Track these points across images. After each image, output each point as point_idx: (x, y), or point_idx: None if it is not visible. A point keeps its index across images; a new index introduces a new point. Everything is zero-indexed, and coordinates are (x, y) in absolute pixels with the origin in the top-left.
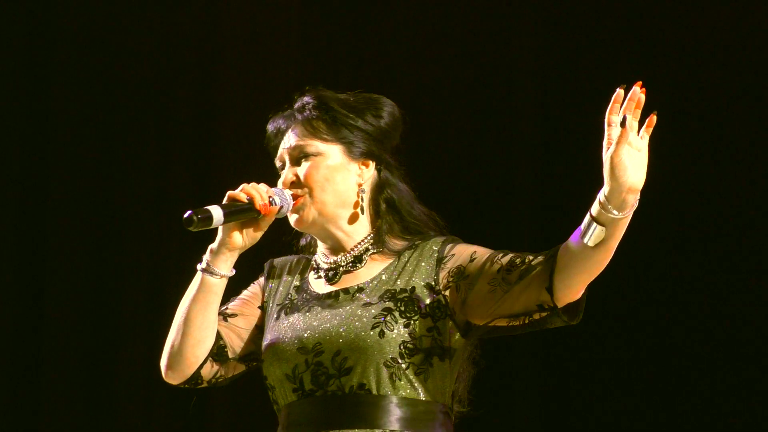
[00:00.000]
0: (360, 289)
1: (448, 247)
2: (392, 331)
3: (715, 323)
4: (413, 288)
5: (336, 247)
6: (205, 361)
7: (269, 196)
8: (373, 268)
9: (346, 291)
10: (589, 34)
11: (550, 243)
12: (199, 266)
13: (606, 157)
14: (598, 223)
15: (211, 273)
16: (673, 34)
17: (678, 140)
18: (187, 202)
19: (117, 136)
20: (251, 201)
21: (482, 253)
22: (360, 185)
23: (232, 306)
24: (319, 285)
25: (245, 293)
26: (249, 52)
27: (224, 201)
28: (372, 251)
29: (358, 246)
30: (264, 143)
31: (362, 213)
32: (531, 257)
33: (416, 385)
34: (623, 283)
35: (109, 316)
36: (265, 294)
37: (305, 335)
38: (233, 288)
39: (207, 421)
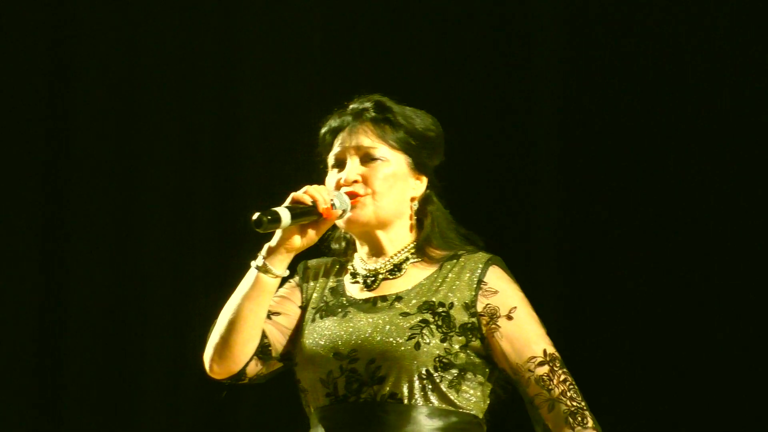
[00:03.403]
0: (398, 298)
1: (490, 271)
2: (428, 344)
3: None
4: (452, 304)
5: (377, 253)
6: (251, 359)
7: (331, 199)
8: (413, 277)
9: (384, 298)
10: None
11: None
12: (253, 264)
13: None
14: None
15: (267, 272)
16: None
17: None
18: (208, 202)
19: (139, 135)
20: (314, 203)
21: (522, 319)
22: (413, 198)
23: (274, 304)
24: (355, 290)
25: (283, 292)
26: (270, 55)
27: (287, 203)
28: (412, 260)
29: (399, 254)
30: (320, 138)
31: (409, 224)
32: (557, 400)
33: (449, 397)
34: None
35: (131, 314)
36: (303, 295)
37: (341, 341)
38: None
39: (231, 418)
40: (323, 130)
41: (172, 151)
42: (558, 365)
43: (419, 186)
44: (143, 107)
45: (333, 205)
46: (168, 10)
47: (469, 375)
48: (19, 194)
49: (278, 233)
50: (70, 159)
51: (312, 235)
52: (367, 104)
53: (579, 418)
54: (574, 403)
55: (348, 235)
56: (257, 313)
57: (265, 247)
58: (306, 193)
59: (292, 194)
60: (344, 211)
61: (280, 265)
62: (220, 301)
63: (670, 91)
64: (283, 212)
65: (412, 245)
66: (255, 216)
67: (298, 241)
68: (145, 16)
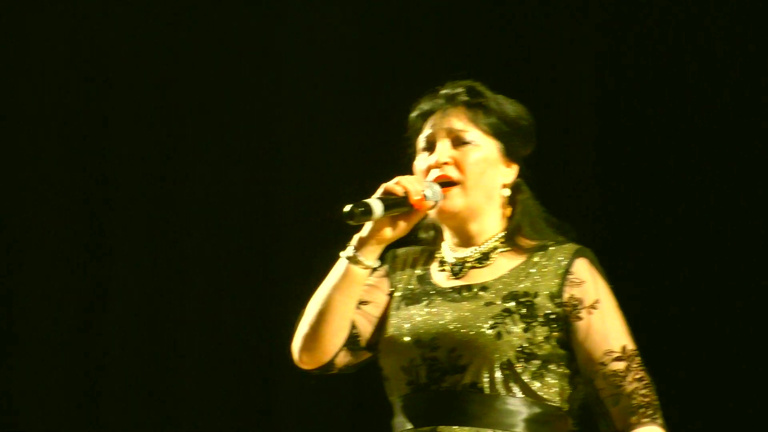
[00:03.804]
0: (484, 288)
1: (578, 262)
2: (510, 333)
3: None
4: (536, 294)
5: (466, 242)
6: (340, 350)
7: (422, 190)
8: (501, 267)
9: (469, 288)
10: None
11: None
12: (343, 255)
13: None
14: None
15: (357, 263)
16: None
17: None
18: (248, 202)
19: (178, 136)
20: (406, 195)
21: (604, 313)
22: (504, 185)
23: (363, 294)
24: (442, 278)
25: (372, 281)
26: (308, 56)
27: (378, 193)
28: (501, 249)
29: (488, 242)
30: (410, 121)
31: (500, 212)
32: (630, 394)
33: (532, 388)
34: None
35: (171, 316)
36: (391, 284)
37: (423, 329)
38: None
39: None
40: (414, 114)
41: (212, 153)
42: (636, 363)
43: (510, 173)
44: (182, 107)
45: (425, 196)
46: (207, 12)
47: (553, 366)
48: (62, 197)
49: (369, 224)
50: (110, 160)
51: (403, 226)
52: (460, 89)
53: (650, 412)
54: (646, 399)
55: (437, 224)
56: (347, 305)
57: (355, 237)
58: (398, 184)
59: (384, 185)
60: (436, 202)
61: (370, 256)
62: (259, 302)
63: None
64: (375, 204)
65: (501, 234)
66: (347, 208)
67: (389, 233)
68: (181, 19)
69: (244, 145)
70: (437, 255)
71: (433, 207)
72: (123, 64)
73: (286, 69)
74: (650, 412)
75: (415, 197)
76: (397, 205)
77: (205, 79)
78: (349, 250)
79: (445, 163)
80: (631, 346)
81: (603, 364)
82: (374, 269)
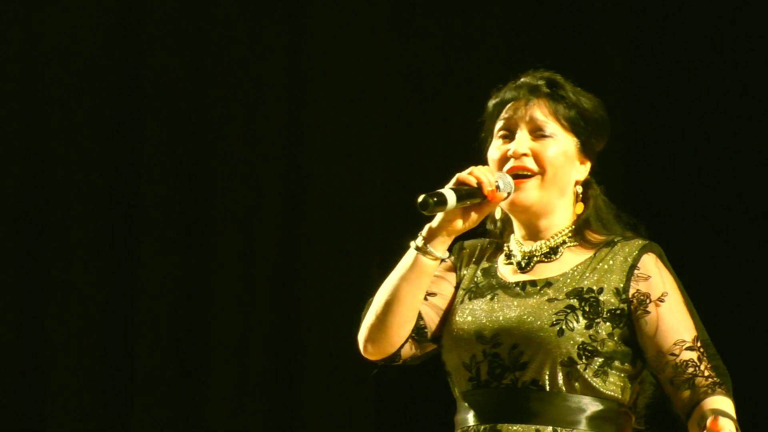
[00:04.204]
0: (548, 284)
1: (645, 257)
2: (572, 330)
3: None
4: (601, 289)
5: (534, 235)
6: (406, 341)
7: (496, 181)
8: (567, 262)
9: (533, 283)
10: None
11: None
12: (413, 245)
13: None
14: None
15: (427, 254)
16: None
17: None
18: (276, 201)
19: (206, 137)
20: (479, 185)
21: (672, 306)
22: (578, 182)
23: (431, 285)
24: (508, 272)
25: (439, 272)
26: (338, 54)
27: (452, 184)
28: (569, 244)
29: (556, 236)
30: (488, 108)
31: (571, 208)
32: (704, 377)
33: (594, 386)
34: None
35: (199, 317)
36: (458, 276)
37: (485, 325)
38: None
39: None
40: (494, 101)
41: (240, 154)
42: (710, 353)
43: (583, 170)
44: (211, 107)
45: (497, 187)
46: (236, 11)
47: (617, 363)
48: (90, 196)
49: (440, 215)
50: (137, 162)
51: (474, 218)
52: (541, 81)
53: (720, 389)
54: (717, 379)
55: (505, 216)
56: (415, 295)
57: (426, 228)
58: (471, 174)
59: (458, 175)
60: (508, 194)
61: (440, 247)
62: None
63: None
64: (449, 194)
65: (570, 228)
66: (420, 198)
67: (460, 224)
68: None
69: (274, 141)
70: (505, 248)
71: (505, 198)
72: (152, 59)
73: (315, 64)
74: (721, 389)
75: (488, 188)
76: (469, 195)
77: (233, 75)
78: (419, 240)
79: (524, 154)
80: (703, 335)
81: (674, 354)
82: (442, 260)
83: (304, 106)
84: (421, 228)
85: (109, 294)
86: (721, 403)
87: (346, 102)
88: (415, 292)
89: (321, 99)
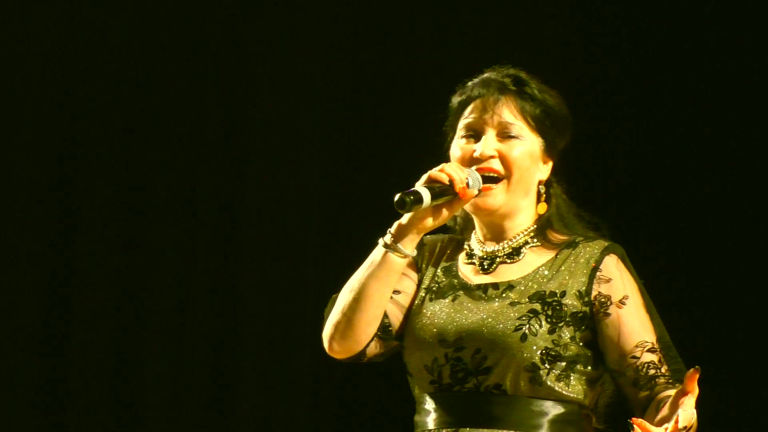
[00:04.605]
0: (510, 287)
1: (607, 259)
2: (535, 335)
3: None
4: (564, 293)
5: (497, 236)
6: (372, 339)
7: (466, 178)
8: (530, 263)
9: (495, 286)
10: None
11: None
12: (381, 242)
13: None
14: None
15: (396, 251)
16: None
17: None
18: (212, 201)
19: (143, 138)
20: (451, 183)
21: (633, 308)
22: (541, 181)
23: None
24: (469, 272)
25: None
26: (276, 58)
27: (424, 181)
28: (531, 244)
29: (518, 237)
30: (454, 105)
31: (533, 208)
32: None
33: (557, 390)
34: None
35: (135, 321)
36: (419, 273)
37: (448, 328)
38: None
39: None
40: (459, 99)
41: (177, 154)
42: (671, 355)
43: (546, 170)
44: (147, 107)
45: (467, 184)
46: (176, 14)
47: (579, 367)
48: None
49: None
50: (75, 162)
51: (445, 215)
52: (507, 79)
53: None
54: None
55: (465, 213)
56: (383, 293)
57: (395, 225)
58: (442, 171)
59: (429, 172)
60: (479, 191)
61: (410, 244)
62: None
63: None
64: (424, 192)
65: (532, 228)
66: (397, 197)
67: (430, 221)
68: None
69: (210, 144)
70: (465, 246)
71: (476, 196)
72: (90, 63)
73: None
74: (679, 385)
75: (459, 185)
76: (442, 193)
77: (169, 72)
78: (388, 238)
79: (491, 156)
80: (665, 337)
81: (635, 356)
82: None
83: (240, 109)
84: (379, 226)
85: (45, 296)
86: None
87: (283, 98)
88: (383, 290)
89: (257, 99)
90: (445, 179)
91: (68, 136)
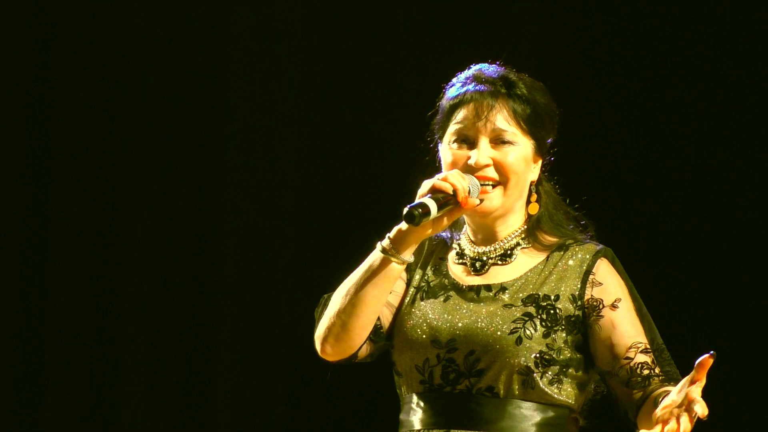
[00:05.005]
0: (503, 289)
1: (599, 263)
2: (530, 339)
3: None
4: (557, 296)
5: (488, 238)
6: (365, 342)
7: (468, 187)
8: (521, 266)
9: (488, 288)
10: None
11: None
12: (379, 247)
13: None
14: None
15: (394, 257)
16: None
17: None
18: (189, 202)
19: (119, 136)
20: (455, 192)
21: (626, 311)
22: (533, 182)
23: None
24: (460, 272)
25: None
26: (254, 54)
27: (426, 189)
28: (522, 246)
29: (509, 238)
30: (445, 107)
31: (525, 209)
32: (657, 375)
33: (549, 393)
34: None
35: (110, 318)
36: (408, 273)
37: (440, 329)
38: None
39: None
40: (450, 101)
41: (153, 154)
42: (664, 357)
43: (536, 169)
44: (124, 107)
45: (470, 192)
46: (151, 11)
47: (572, 371)
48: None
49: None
50: (50, 160)
51: (444, 223)
52: (498, 81)
53: (674, 384)
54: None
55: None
56: (379, 299)
57: (394, 230)
58: (445, 181)
59: (432, 183)
60: (481, 201)
61: (408, 251)
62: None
63: None
64: (431, 204)
65: (522, 229)
66: (405, 210)
67: (429, 229)
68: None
69: (188, 142)
70: (455, 246)
71: (478, 205)
72: (65, 60)
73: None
74: (673, 383)
75: (462, 195)
76: (447, 203)
77: (147, 71)
78: (386, 243)
79: (487, 165)
80: (658, 339)
81: (629, 358)
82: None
83: (219, 108)
84: (379, 230)
85: (20, 295)
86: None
87: (261, 102)
88: (380, 296)
89: (236, 95)
90: (450, 189)
91: (42, 135)
